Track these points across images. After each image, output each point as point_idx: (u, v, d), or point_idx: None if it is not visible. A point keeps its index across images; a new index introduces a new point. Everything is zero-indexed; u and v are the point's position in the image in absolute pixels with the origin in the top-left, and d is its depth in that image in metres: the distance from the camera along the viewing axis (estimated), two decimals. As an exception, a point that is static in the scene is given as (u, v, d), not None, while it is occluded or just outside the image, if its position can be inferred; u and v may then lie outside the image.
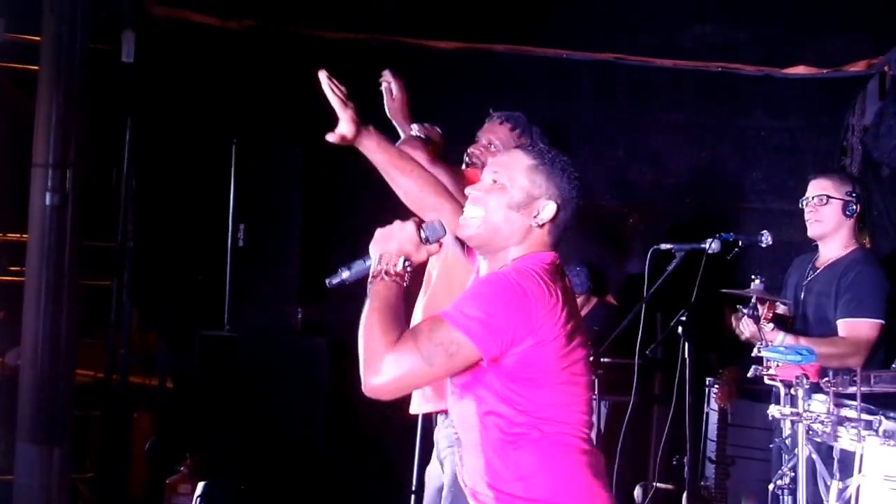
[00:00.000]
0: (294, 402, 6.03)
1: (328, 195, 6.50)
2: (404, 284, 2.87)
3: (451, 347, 2.72)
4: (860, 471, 3.97)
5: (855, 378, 4.07)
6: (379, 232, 2.93)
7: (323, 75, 3.21)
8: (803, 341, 4.53)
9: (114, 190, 6.39)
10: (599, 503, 2.89)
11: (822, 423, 4.13)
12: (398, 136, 4.20)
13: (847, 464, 4.06)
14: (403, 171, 3.35)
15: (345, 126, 3.24)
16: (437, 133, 4.26)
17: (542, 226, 2.94)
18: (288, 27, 6.62)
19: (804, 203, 4.85)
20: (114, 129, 6.34)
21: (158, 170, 6.53)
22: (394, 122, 4.25)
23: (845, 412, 4.09)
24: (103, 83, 6.10)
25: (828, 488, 4.14)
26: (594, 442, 3.00)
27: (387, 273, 2.84)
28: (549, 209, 2.94)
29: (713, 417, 5.40)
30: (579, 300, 6.01)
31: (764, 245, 4.86)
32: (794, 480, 4.30)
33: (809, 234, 4.86)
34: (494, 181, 2.98)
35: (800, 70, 6.92)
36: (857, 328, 4.60)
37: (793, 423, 4.28)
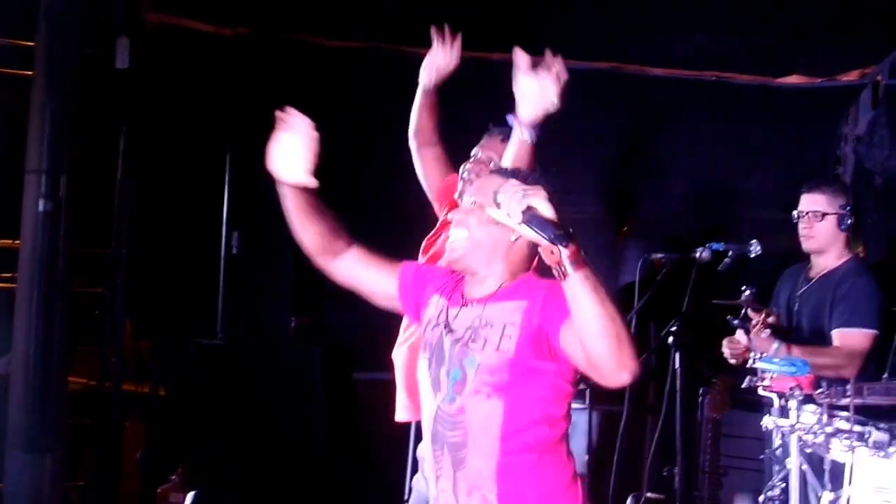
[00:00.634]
0: (287, 411, 6.02)
1: (325, 203, 6.49)
2: None
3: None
4: (850, 482, 3.97)
5: (848, 390, 4.06)
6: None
7: None
8: (797, 350, 4.53)
9: (107, 197, 6.37)
10: None
11: (813, 434, 4.13)
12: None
13: (838, 475, 4.06)
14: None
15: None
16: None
17: (517, 240, 3.00)
18: (282, 34, 6.61)
19: (797, 217, 4.85)
20: (108, 135, 6.32)
21: (152, 177, 6.51)
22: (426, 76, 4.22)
23: (837, 423, 4.09)
24: (97, 90, 6.09)
25: (818, 499, 4.15)
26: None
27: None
28: None
29: (705, 427, 5.40)
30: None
31: (753, 254, 4.85)
32: (784, 491, 4.31)
33: (804, 248, 4.88)
34: (474, 202, 3.04)
35: (793, 79, 6.95)
36: (852, 338, 4.61)
37: (784, 434, 4.29)
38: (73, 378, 6.10)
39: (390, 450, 5.60)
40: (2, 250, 6.14)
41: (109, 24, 6.24)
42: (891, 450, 3.90)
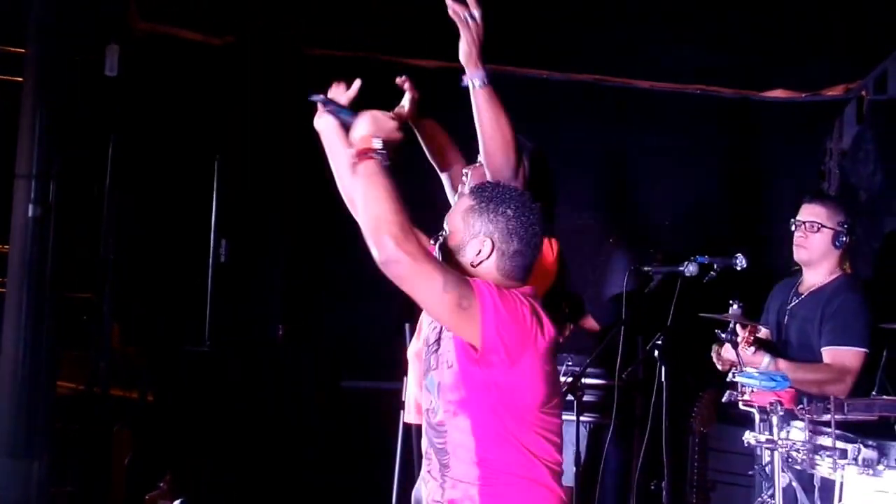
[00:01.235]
0: (275, 417, 6.04)
1: (313, 210, 6.51)
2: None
3: (464, 300, 2.84)
4: (840, 499, 3.96)
5: (829, 406, 4.04)
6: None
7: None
8: (783, 364, 4.53)
9: (96, 203, 6.38)
10: None
11: (798, 451, 4.11)
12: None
13: (828, 491, 4.05)
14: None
15: None
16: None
17: (478, 264, 3.02)
18: (270, 44, 6.63)
19: (794, 224, 4.79)
20: (97, 142, 6.33)
21: (141, 184, 6.52)
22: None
23: (822, 440, 4.08)
24: (87, 97, 6.11)
25: (809, 516, 4.15)
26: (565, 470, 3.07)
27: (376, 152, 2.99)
28: (484, 247, 3.01)
29: (692, 441, 5.38)
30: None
31: (739, 268, 4.84)
32: (774, 508, 4.30)
33: (795, 257, 4.81)
34: (445, 228, 3.11)
35: (778, 93, 6.98)
36: (841, 356, 4.55)
37: (770, 450, 4.26)
38: (62, 383, 6.10)
39: (377, 455, 5.61)
40: (-9, 255, 6.15)
41: (99, 32, 6.26)
42: (880, 468, 3.88)
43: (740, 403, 4.41)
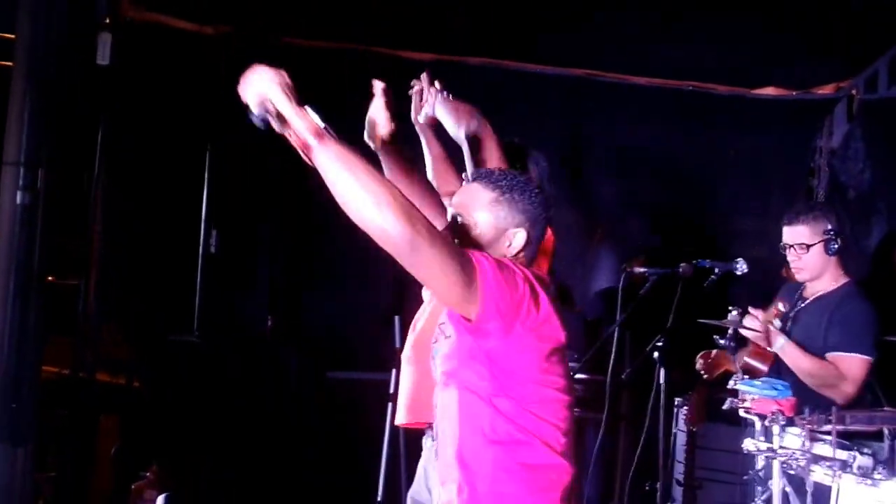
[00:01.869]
0: (263, 408, 6.04)
1: (303, 203, 6.50)
2: None
3: (471, 282, 2.75)
4: (835, 505, 3.94)
5: (830, 417, 4.01)
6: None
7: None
8: (796, 350, 4.52)
9: (85, 190, 6.36)
10: None
11: (796, 459, 4.10)
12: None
13: (820, 497, 4.02)
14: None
15: None
16: None
17: (516, 254, 3.00)
18: (263, 33, 6.61)
19: (783, 249, 4.76)
20: (87, 130, 6.31)
21: (131, 173, 6.50)
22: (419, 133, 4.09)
23: (819, 449, 4.05)
24: (78, 84, 6.08)
25: (801, 521, 4.13)
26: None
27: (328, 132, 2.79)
28: (519, 237, 3.01)
29: (681, 439, 5.38)
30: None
31: (739, 273, 4.85)
32: (767, 513, 4.29)
33: (797, 279, 4.78)
34: (458, 222, 3.03)
35: (769, 91, 6.98)
36: (846, 362, 4.52)
37: (768, 456, 4.26)
38: (47, 367, 6.07)
39: (364, 448, 5.61)
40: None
41: (92, 20, 6.24)
42: (876, 476, 3.86)
43: (741, 411, 4.41)
